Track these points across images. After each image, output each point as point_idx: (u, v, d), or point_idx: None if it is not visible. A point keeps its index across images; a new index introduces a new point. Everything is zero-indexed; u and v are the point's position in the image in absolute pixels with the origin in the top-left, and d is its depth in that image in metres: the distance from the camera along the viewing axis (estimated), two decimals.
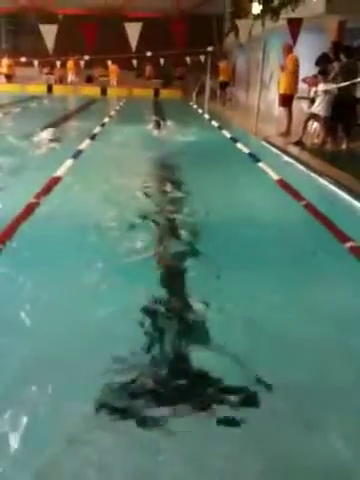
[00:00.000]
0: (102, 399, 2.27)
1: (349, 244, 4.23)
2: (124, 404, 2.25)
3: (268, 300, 3.33)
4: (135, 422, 2.15)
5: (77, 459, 1.97)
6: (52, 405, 2.24)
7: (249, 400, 2.31)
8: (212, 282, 3.54)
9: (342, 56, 8.77)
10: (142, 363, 2.56)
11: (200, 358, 2.62)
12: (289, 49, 10.84)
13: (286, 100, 10.95)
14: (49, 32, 16.14)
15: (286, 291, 3.51)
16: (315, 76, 9.83)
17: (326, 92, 9.01)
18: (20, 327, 2.89)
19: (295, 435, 2.14)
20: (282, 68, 10.92)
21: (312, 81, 9.93)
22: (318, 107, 9.19)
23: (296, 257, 4.18)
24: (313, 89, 9.79)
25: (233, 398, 2.31)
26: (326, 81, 8.99)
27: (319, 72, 9.42)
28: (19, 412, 2.18)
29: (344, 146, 8.74)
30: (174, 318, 3.06)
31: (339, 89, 8.66)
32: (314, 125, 10.13)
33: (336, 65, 8.91)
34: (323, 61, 9.56)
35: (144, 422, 2.14)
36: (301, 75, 10.90)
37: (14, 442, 2.03)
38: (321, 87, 9.16)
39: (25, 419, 2.14)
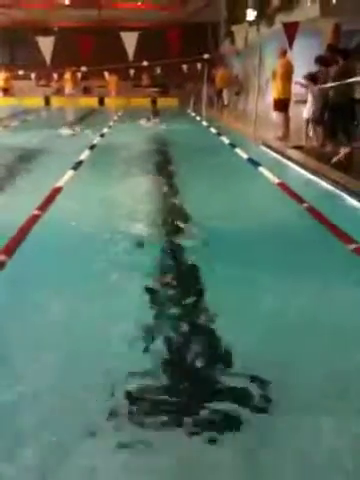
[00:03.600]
0: None
1: (353, 246, 4.18)
2: None
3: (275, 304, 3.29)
4: None
5: None
6: None
7: None
8: (218, 286, 3.49)
9: (339, 59, 8.74)
10: None
11: None
12: (281, 54, 10.82)
13: (280, 105, 10.90)
14: (47, 44, 16.21)
15: (292, 294, 3.46)
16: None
17: (314, 96, 9.17)
18: None
19: None
20: (273, 74, 10.90)
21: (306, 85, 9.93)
22: (307, 111, 9.40)
23: (300, 259, 4.12)
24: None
25: None
26: (314, 86, 9.12)
27: (308, 76, 9.46)
28: None
29: (343, 149, 8.69)
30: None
31: (336, 92, 8.63)
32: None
33: (331, 69, 8.88)
34: (320, 63, 9.56)
35: None
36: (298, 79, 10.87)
37: None
38: (309, 91, 9.33)
39: None
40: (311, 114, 9.38)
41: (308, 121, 9.61)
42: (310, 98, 9.40)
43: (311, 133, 9.73)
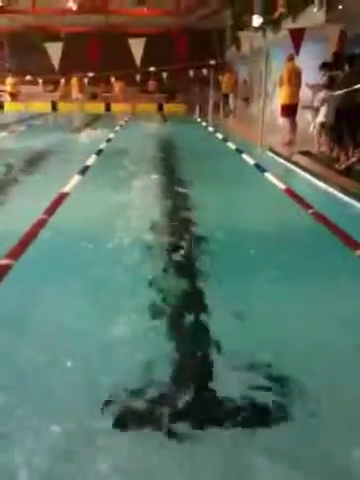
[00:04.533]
0: None
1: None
2: None
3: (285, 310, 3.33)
4: None
5: None
6: None
7: None
8: (223, 299, 3.51)
9: (346, 66, 8.77)
10: None
11: None
12: (288, 59, 10.86)
13: (287, 110, 10.92)
14: (54, 50, 16.35)
15: (302, 299, 3.49)
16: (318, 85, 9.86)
17: (327, 100, 9.15)
18: None
19: None
20: (280, 79, 10.93)
21: (319, 89, 9.93)
22: (322, 115, 9.35)
23: (307, 264, 4.15)
24: (317, 98, 9.81)
25: None
26: (329, 90, 9.09)
27: (326, 83, 9.47)
28: None
29: (351, 154, 8.71)
30: None
31: (342, 98, 8.64)
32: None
33: (340, 74, 8.92)
34: (324, 70, 9.60)
35: None
36: (304, 85, 10.90)
37: None
38: (322, 95, 9.29)
39: None
40: (324, 118, 9.32)
41: (323, 125, 9.53)
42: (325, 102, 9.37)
43: (323, 138, 9.72)
